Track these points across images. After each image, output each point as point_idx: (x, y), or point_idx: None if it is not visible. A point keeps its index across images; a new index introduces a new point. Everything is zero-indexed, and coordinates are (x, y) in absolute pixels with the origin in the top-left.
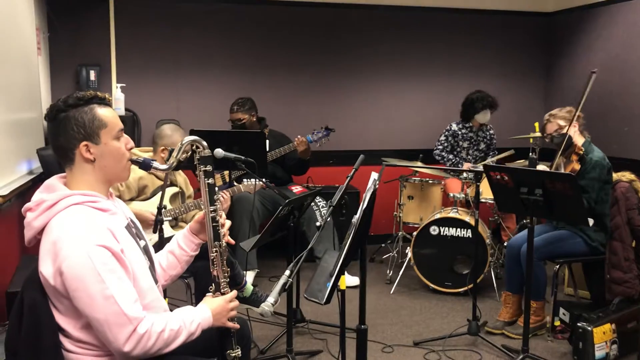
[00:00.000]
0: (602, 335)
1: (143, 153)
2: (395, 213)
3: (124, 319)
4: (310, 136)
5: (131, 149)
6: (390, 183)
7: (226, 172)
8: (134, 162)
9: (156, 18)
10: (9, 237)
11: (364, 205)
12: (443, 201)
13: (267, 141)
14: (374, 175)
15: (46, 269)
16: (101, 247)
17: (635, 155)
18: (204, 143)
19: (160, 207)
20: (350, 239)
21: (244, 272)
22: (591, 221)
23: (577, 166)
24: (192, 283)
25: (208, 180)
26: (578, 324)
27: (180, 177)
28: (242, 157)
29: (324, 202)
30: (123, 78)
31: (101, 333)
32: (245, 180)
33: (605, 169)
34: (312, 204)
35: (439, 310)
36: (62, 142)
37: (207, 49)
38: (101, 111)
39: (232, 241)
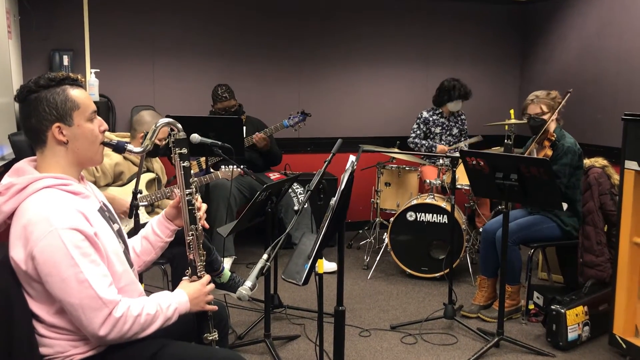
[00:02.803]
0: (575, 317)
1: (120, 138)
2: (372, 200)
3: (99, 302)
4: (286, 121)
5: (104, 131)
6: (368, 170)
7: (202, 159)
8: (106, 144)
9: (130, 3)
10: None
11: (342, 186)
12: (420, 188)
13: (245, 127)
14: (352, 158)
15: (17, 254)
16: (73, 230)
17: (608, 142)
18: (179, 125)
19: (135, 192)
20: (328, 221)
21: (222, 258)
22: (565, 205)
23: (550, 152)
24: (169, 270)
25: (183, 163)
26: (552, 307)
27: (157, 164)
28: (219, 143)
29: (302, 188)
30: (97, 63)
31: (76, 318)
32: (222, 166)
33: (577, 155)
34: (290, 191)
35: (415, 294)
36: (33, 124)
37: (183, 34)
38: (74, 92)
39: (207, 225)
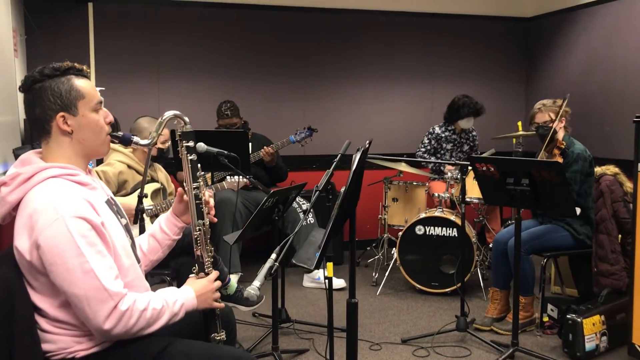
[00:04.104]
0: (592, 326)
1: (124, 149)
2: (380, 216)
3: (105, 294)
4: (293, 136)
5: (110, 122)
6: (375, 186)
7: (208, 175)
8: (113, 136)
9: (136, 21)
10: None
11: (353, 166)
12: (428, 203)
13: (250, 144)
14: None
15: (22, 243)
16: (80, 219)
17: (618, 155)
18: (186, 118)
19: (141, 196)
20: (338, 208)
21: (227, 269)
22: (578, 210)
23: (560, 159)
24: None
25: (190, 156)
26: (567, 316)
27: (162, 173)
28: (225, 152)
29: (308, 203)
30: (103, 81)
31: (80, 310)
32: (228, 177)
33: (587, 161)
34: (296, 207)
35: (426, 309)
36: (38, 114)
37: (188, 51)
38: (79, 82)
39: (215, 219)
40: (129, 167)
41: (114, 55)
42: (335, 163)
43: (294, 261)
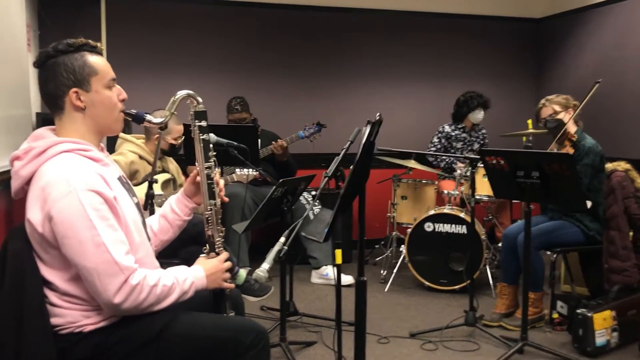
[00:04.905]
0: (603, 321)
1: (136, 140)
2: (388, 214)
3: (116, 268)
4: (302, 132)
5: (123, 100)
6: (383, 184)
7: (218, 170)
8: (126, 113)
9: (148, 18)
10: None
11: (363, 139)
12: (437, 201)
13: (259, 140)
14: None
15: (34, 215)
16: (92, 192)
17: (629, 154)
18: (199, 98)
19: (151, 181)
20: (347, 183)
21: (236, 259)
22: (589, 203)
23: (571, 151)
24: None
25: (202, 135)
26: (577, 311)
27: (173, 164)
28: (235, 143)
29: (319, 205)
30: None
31: (90, 283)
32: (237, 170)
33: (598, 156)
34: (305, 202)
35: (434, 306)
36: (51, 89)
37: (199, 49)
38: (92, 58)
39: (227, 199)
40: (141, 157)
41: (126, 51)
42: (344, 150)
43: (303, 234)
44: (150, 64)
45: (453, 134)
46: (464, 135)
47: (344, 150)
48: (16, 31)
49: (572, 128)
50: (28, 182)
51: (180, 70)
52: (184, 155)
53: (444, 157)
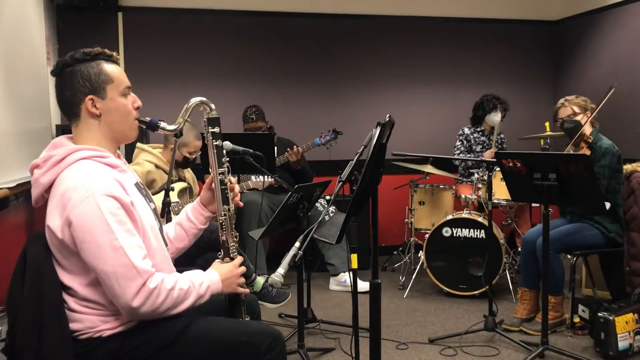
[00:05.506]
0: (625, 325)
1: (153, 149)
2: (406, 220)
3: (134, 271)
4: (317, 139)
5: (138, 107)
6: (400, 190)
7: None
8: (140, 121)
9: (164, 30)
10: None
11: (373, 141)
12: (455, 206)
13: (276, 147)
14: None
15: (54, 221)
16: (110, 197)
17: None
18: (212, 105)
19: (167, 189)
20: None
21: (253, 266)
22: (608, 205)
23: (588, 152)
24: None
25: (216, 142)
26: (599, 314)
27: (189, 173)
28: (251, 151)
29: (333, 207)
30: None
31: (109, 287)
32: (253, 177)
33: (615, 156)
34: (322, 209)
35: (453, 311)
36: (67, 96)
37: (215, 59)
38: (108, 67)
39: (241, 204)
40: (157, 167)
41: (143, 62)
42: (358, 154)
43: (315, 236)
44: (167, 75)
45: (472, 136)
46: (482, 138)
47: (357, 154)
48: (36, 45)
49: (588, 130)
50: (48, 189)
51: (196, 81)
52: (201, 164)
53: (470, 156)
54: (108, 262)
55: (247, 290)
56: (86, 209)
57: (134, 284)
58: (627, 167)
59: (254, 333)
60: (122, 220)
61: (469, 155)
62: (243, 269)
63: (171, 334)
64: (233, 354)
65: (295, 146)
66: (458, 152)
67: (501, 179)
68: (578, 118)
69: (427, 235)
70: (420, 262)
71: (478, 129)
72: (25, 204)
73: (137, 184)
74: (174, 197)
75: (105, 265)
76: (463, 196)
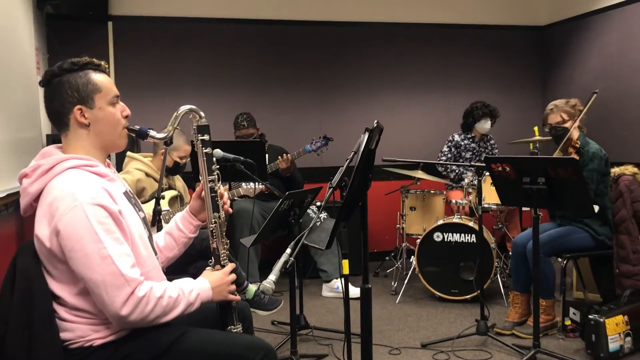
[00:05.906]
0: (615, 326)
1: (144, 158)
2: (398, 225)
3: (122, 280)
4: (308, 146)
5: (127, 116)
6: (392, 196)
7: (225, 187)
8: (130, 129)
9: (154, 39)
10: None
11: (361, 147)
12: (446, 211)
13: (267, 155)
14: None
15: (42, 231)
16: (97, 206)
17: (635, 159)
18: (201, 113)
19: (158, 197)
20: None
21: (245, 274)
22: (596, 208)
23: (576, 157)
24: None
25: (205, 149)
26: (590, 316)
27: (179, 182)
28: (241, 158)
29: (325, 214)
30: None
31: (97, 296)
32: (244, 184)
33: (603, 160)
34: (312, 214)
35: (446, 316)
36: (56, 107)
37: (205, 68)
38: (96, 76)
39: (231, 210)
40: (147, 175)
41: (133, 72)
42: (348, 160)
43: (305, 241)
44: (158, 84)
45: (462, 143)
46: (472, 145)
47: (347, 160)
48: (25, 55)
49: (575, 135)
50: (36, 199)
51: (186, 89)
52: (192, 172)
53: (454, 168)
54: (96, 270)
55: (238, 297)
56: (74, 218)
57: (122, 292)
58: (615, 170)
59: (246, 346)
60: (110, 229)
61: (454, 166)
62: (234, 276)
63: (163, 344)
64: None
65: (285, 153)
66: (444, 157)
67: (491, 183)
68: (567, 125)
69: (418, 241)
70: (412, 267)
71: (469, 136)
72: (15, 214)
73: (126, 193)
74: (164, 205)
75: (93, 274)
76: (454, 201)
